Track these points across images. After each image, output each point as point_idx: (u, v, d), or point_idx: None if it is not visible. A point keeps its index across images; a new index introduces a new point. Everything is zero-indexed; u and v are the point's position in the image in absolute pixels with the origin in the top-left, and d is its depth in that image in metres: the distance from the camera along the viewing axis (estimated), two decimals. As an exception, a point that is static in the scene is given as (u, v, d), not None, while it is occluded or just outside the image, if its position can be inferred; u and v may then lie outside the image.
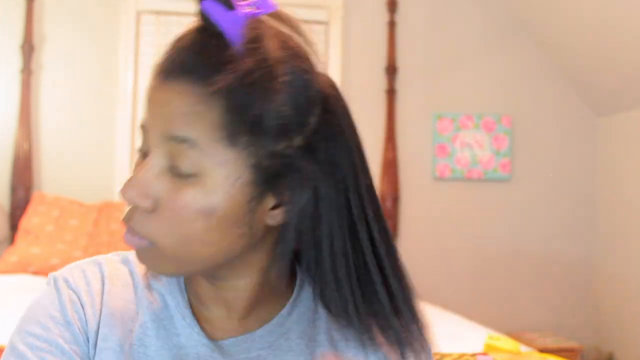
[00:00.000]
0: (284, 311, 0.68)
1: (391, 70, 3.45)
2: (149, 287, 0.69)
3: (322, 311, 0.69)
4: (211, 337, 0.66)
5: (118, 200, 3.20)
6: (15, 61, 3.20)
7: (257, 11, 0.58)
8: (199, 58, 0.56)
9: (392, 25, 3.46)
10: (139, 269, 0.71)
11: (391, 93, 3.44)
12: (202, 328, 0.67)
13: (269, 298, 0.67)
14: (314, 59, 0.62)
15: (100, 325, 0.66)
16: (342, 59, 3.45)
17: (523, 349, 1.98)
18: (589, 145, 3.64)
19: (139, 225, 0.59)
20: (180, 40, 0.59)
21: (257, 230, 0.61)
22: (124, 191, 0.59)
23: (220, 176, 0.57)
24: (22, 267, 2.74)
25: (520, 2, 3.51)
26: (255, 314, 0.67)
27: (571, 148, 3.63)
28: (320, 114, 0.60)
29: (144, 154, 0.61)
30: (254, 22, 0.58)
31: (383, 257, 0.66)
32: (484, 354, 1.77)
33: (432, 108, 3.51)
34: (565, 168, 3.62)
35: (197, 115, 0.56)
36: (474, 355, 1.73)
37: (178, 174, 0.58)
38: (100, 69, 3.31)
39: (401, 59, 3.48)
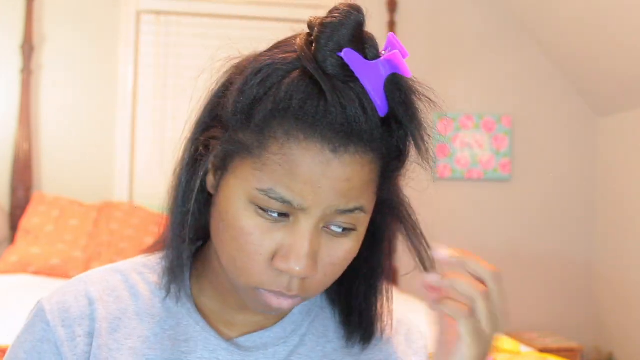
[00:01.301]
0: (296, 310, 0.70)
1: (391, 70, 3.44)
2: (151, 296, 0.68)
3: (327, 307, 0.72)
4: (226, 337, 0.67)
5: (118, 200, 3.20)
6: (15, 61, 3.20)
7: (392, 64, 0.59)
8: (367, 121, 0.55)
9: (392, 25, 3.46)
10: (135, 278, 0.70)
11: (391, 93, 3.44)
12: (219, 330, 0.67)
13: None
14: None
15: (93, 347, 0.64)
16: (342, 59, 3.44)
17: (523, 349, 1.98)
18: (589, 145, 3.64)
19: (301, 290, 0.59)
20: (333, 95, 0.54)
21: None
22: (295, 268, 0.56)
23: (366, 223, 0.62)
24: (22, 267, 2.74)
25: (520, 2, 3.51)
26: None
27: (571, 148, 3.63)
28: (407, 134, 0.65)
29: (282, 213, 0.57)
30: (392, 75, 0.58)
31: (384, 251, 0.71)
32: (484, 354, 1.77)
33: (432, 108, 3.51)
34: (565, 168, 3.62)
35: (369, 184, 0.57)
36: (474, 355, 1.73)
37: (336, 233, 0.58)
38: (100, 69, 3.30)
39: (401, 59, 3.48)
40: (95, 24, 3.29)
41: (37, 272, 2.73)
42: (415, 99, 0.60)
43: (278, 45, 0.62)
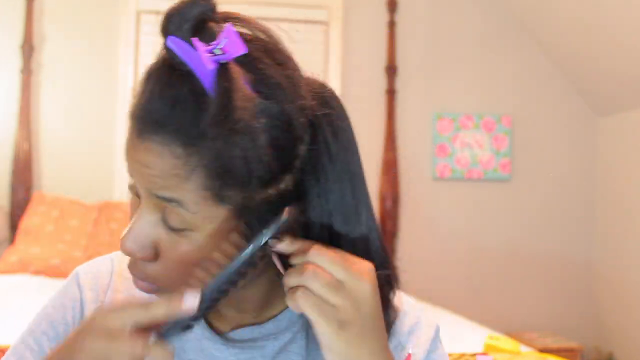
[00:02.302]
0: (289, 309, 0.69)
1: (391, 70, 3.45)
2: None
3: None
4: (218, 330, 0.69)
5: (118, 200, 3.20)
6: (15, 61, 3.20)
7: (224, 55, 0.54)
8: (174, 111, 0.54)
9: (392, 25, 3.46)
10: None
11: (391, 93, 3.44)
12: (209, 322, 0.69)
13: (281, 299, 0.68)
14: (295, 75, 0.59)
15: None
16: (342, 59, 3.45)
17: (523, 349, 1.98)
18: (589, 145, 3.64)
19: (144, 273, 0.61)
20: (151, 81, 0.56)
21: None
22: (123, 244, 0.59)
23: (211, 230, 0.57)
24: (22, 267, 2.74)
25: (520, 2, 3.51)
26: (265, 312, 0.69)
27: (571, 148, 3.63)
28: (310, 139, 0.59)
29: (136, 193, 0.61)
30: (223, 67, 0.54)
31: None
32: (484, 354, 1.77)
33: (432, 108, 3.52)
34: (565, 168, 3.62)
35: (180, 178, 0.55)
36: (474, 355, 1.73)
37: (170, 227, 0.58)
38: (100, 69, 3.30)
39: (401, 59, 3.48)
40: (95, 24, 3.29)
41: (37, 272, 2.73)
42: (238, 80, 0.54)
43: None
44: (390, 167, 3.38)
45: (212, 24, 0.56)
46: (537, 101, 3.61)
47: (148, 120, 0.55)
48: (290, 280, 0.57)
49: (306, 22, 3.44)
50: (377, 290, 0.58)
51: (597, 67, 3.33)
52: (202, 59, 0.53)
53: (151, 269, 0.60)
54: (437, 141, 3.49)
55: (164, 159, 0.54)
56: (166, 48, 0.54)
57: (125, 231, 0.59)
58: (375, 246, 0.65)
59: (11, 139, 3.16)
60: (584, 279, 3.60)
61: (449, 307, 2.87)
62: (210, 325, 0.69)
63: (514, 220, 3.56)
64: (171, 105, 0.54)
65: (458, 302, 3.30)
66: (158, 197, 0.56)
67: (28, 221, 2.91)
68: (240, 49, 0.55)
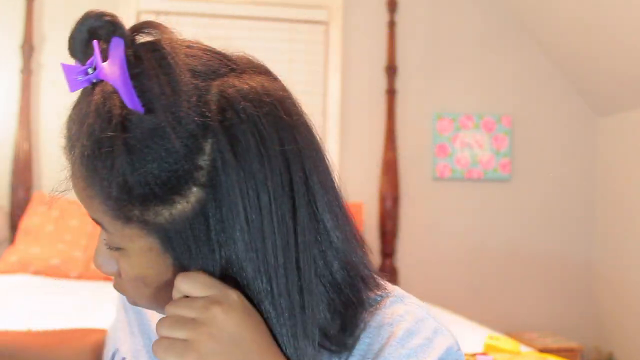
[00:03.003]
0: None
1: (391, 70, 3.45)
2: None
3: None
4: None
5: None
6: (15, 61, 3.20)
7: (94, 74, 0.54)
8: (81, 135, 0.55)
9: (392, 25, 3.46)
10: None
11: (391, 93, 3.44)
12: None
13: None
14: (181, 82, 0.53)
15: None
16: (342, 59, 3.45)
17: (523, 349, 1.98)
18: (589, 145, 3.64)
19: (117, 286, 0.63)
20: (73, 106, 0.59)
21: None
22: (94, 260, 0.62)
23: (135, 249, 0.56)
24: (22, 267, 2.74)
25: (520, 2, 3.51)
26: None
27: (571, 148, 3.63)
28: (217, 139, 0.52)
29: None
30: (94, 86, 0.54)
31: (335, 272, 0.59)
32: (484, 354, 1.77)
33: (432, 108, 3.51)
34: (565, 168, 3.62)
35: (90, 199, 0.56)
36: (474, 355, 1.73)
37: (109, 246, 0.59)
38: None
39: (401, 59, 3.48)
40: (95, 24, 3.29)
41: (37, 272, 2.73)
42: (98, 117, 0.53)
43: None
44: (390, 167, 3.38)
45: (93, 42, 0.56)
46: (537, 101, 3.61)
47: (65, 140, 0.58)
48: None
49: (306, 22, 3.44)
50: (241, 315, 0.52)
51: (597, 67, 3.33)
52: (69, 82, 0.55)
53: (118, 284, 0.62)
54: (437, 141, 3.49)
55: (79, 181, 0.56)
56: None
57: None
58: (312, 266, 0.57)
59: (11, 139, 3.16)
60: (584, 279, 3.60)
61: (449, 307, 2.86)
62: None
63: (514, 220, 3.56)
64: (78, 126, 0.55)
65: (458, 302, 3.30)
66: (93, 219, 0.58)
67: (28, 221, 2.91)
68: (102, 67, 0.53)
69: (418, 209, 3.48)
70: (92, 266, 2.74)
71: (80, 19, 0.57)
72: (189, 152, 0.52)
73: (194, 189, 0.52)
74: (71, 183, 0.58)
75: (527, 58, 3.60)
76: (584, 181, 3.63)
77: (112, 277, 0.63)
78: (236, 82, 0.55)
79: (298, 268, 0.55)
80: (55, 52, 3.27)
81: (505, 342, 1.91)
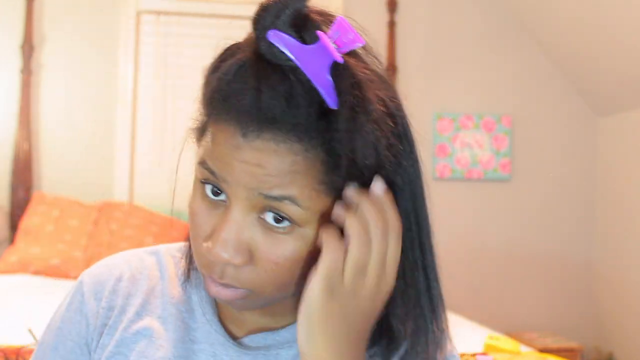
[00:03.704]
0: None
1: (391, 70, 3.45)
2: (176, 279, 0.71)
3: None
4: (232, 334, 0.67)
5: (118, 200, 3.20)
6: (15, 61, 3.20)
7: (342, 48, 0.55)
8: (291, 109, 0.52)
9: (392, 25, 3.46)
10: (168, 260, 0.73)
11: (391, 93, 3.43)
12: (224, 325, 0.67)
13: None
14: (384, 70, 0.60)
15: (111, 322, 0.69)
16: (342, 59, 3.45)
17: (523, 349, 1.98)
18: (589, 145, 3.64)
19: (234, 279, 0.57)
20: (249, 76, 0.53)
21: None
22: (218, 252, 0.55)
23: (318, 223, 0.56)
24: (22, 267, 2.74)
25: (520, 2, 3.51)
26: (282, 318, 0.67)
27: (571, 148, 3.63)
28: (400, 139, 0.60)
29: (214, 191, 0.57)
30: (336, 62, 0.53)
31: (428, 264, 0.68)
32: (484, 354, 1.77)
33: (432, 108, 3.52)
34: (565, 168, 3.62)
35: (296, 174, 0.53)
36: (474, 355, 1.73)
37: (273, 227, 0.55)
38: (100, 69, 3.30)
39: (401, 59, 3.48)
40: (95, 24, 3.29)
41: (37, 272, 2.73)
42: (364, 93, 0.54)
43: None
44: (390, 167, 3.37)
45: (313, 17, 0.56)
46: (537, 101, 3.61)
47: (258, 118, 0.52)
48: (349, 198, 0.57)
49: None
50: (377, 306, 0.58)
51: (597, 67, 3.33)
52: (321, 51, 0.52)
53: (246, 274, 0.57)
54: (437, 141, 3.49)
55: (281, 156, 0.53)
56: (262, 41, 0.52)
57: (220, 237, 0.56)
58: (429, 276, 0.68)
59: (11, 139, 3.16)
60: (584, 279, 3.60)
61: (449, 307, 2.84)
62: (225, 329, 0.67)
63: (514, 220, 3.56)
64: (285, 100, 0.51)
65: (458, 302, 3.30)
66: (267, 196, 0.54)
67: (28, 221, 2.91)
68: (357, 41, 0.55)
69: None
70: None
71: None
72: (395, 135, 0.58)
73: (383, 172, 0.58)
74: (252, 164, 0.53)
75: (527, 58, 3.60)
76: (584, 181, 3.63)
77: (223, 274, 0.58)
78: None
79: (433, 254, 0.69)
80: (55, 52, 3.27)
81: (505, 342, 1.91)
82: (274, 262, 0.56)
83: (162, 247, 0.75)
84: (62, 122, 3.26)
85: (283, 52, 0.51)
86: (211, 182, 0.56)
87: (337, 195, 0.56)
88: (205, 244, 0.57)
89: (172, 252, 0.74)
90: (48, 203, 2.98)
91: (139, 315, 0.68)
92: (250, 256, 0.56)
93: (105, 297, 0.70)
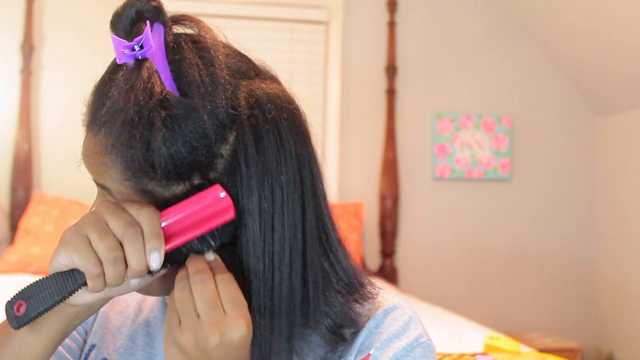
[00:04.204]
0: None
1: (391, 70, 3.45)
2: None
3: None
4: None
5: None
6: (15, 61, 3.20)
7: (141, 51, 0.58)
8: (94, 104, 0.60)
9: (392, 25, 3.46)
10: None
11: (391, 93, 3.44)
12: None
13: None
14: (219, 74, 0.58)
15: (92, 331, 0.73)
16: (342, 59, 3.45)
17: (523, 349, 1.98)
18: (588, 145, 3.64)
19: None
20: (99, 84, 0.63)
21: None
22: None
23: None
24: (22, 267, 2.74)
25: (520, 2, 3.51)
26: None
27: (571, 148, 3.63)
28: (238, 134, 0.57)
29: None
30: (138, 62, 0.58)
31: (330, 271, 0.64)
32: (484, 354, 1.77)
33: (432, 108, 3.51)
34: (565, 168, 3.62)
35: (104, 166, 0.59)
36: (474, 355, 1.73)
37: None
38: (100, 69, 3.29)
39: (401, 59, 3.48)
40: (96, 24, 3.29)
41: (37, 272, 2.73)
42: (138, 91, 0.57)
43: None
44: (390, 167, 3.38)
45: (140, 24, 0.60)
46: (537, 101, 3.61)
47: (88, 111, 0.62)
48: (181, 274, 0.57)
49: (306, 22, 3.44)
50: (237, 348, 0.55)
51: (597, 67, 3.33)
52: (118, 54, 0.58)
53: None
54: (437, 141, 3.49)
55: (94, 146, 0.60)
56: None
57: None
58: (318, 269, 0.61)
59: (11, 139, 3.16)
60: (584, 279, 3.60)
61: (449, 307, 2.86)
62: None
63: (514, 220, 3.56)
64: (100, 97, 0.60)
65: (458, 302, 3.30)
66: (97, 184, 0.61)
67: (28, 221, 2.91)
68: (152, 46, 0.57)
69: (418, 209, 3.48)
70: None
71: None
72: (215, 139, 0.56)
73: (211, 174, 0.57)
74: (83, 151, 0.61)
75: (527, 58, 3.60)
76: (584, 181, 3.63)
77: None
78: (262, 85, 0.60)
79: (304, 261, 0.59)
80: (55, 52, 3.27)
81: (505, 342, 1.91)
82: None
83: None
84: (62, 122, 3.26)
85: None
86: None
87: (153, 198, 0.58)
88: None
89: None
90: (48, 203, 2.98)
91: (120, 329, 0.75)
92: None
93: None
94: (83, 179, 3.33)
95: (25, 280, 2.63)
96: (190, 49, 0.59)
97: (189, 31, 0.64)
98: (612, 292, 3.44)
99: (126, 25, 0.60)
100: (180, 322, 0.54)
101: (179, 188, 0.57)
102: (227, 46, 0.63)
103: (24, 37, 3.18)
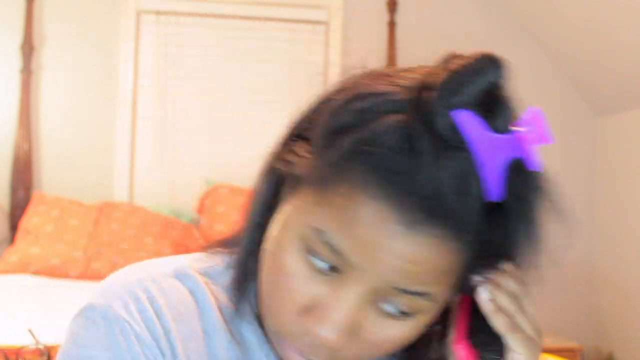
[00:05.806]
0: None
1: (391, 70, 3.44)
2: (219, 311, 0.58)
3: None
4: None
5: (118, 200, 3.20)
6: (15, 61, 3.20)
7: (520, 149, 0.48)
8: (460, 205, 0.45)
9: (392, 25, 3.46)
10: (203, 285, 0.58)
11: (391, 93, 3.43)
12: None
13: None
14: None
15: None
16: (342, 59, 3.45)
17: (523, 349, 1.97)
18: (588, 145, 3.64)
19: (331, 356, 0.51)
20: (432, 159, 0.44)
21: None
22: (326, 336, 0.48)
23: (436, 310, 0.52)
24: (22, 267, 2.74)
25: (520, 2, 3.51)
26: None
27: (571, 148, 3.63)
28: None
29: (332, 269, 0.49)
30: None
31: None
32: (484, 354, 1.77)
33: (432, 108, 3.51)
34: (565, 168, 3.62)
35: (445, 274, 0.48)
36: (474, 355, 1.73)
37: (389, 314, 0.49)
38: (100, 69, 3.30)
39: (401, 59, 3.48)
40: (95, 24, 3.29)
41: (37, 272, 2.73)
42: (536, 199, 0.51)
43: (389, 73, 0.54)
44: (390, 167, 3.37)
45: (505, 98, 0.50)
46: (537, 101, 3.60)
47: (429, 206, 0.44)
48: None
49: (306, 22, 3.43)
50: None
51: (597, 67, 3.33)
52: (510, 145, 0.47)
53: (343, 351, 0.50)
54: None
55: (441, 252, 0.46)
56: (442, 117, 0.45)
57: (333, 320, 0.48)
58: None
59: (11, 139, 3.16)
60: (584, 279, 3.60)
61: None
62: None
63: (514, 220, 3.56)
64: (458, 192, 0.44)
65: (458, 302, 3.30)
66: (401, 290, 0.47)
67: (28, 221, 2.91)
68: (547, 139, 0.49)
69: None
70: (92, 266, 2.74)
71: (492, 60, 0.50)
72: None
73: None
74: (407, 260, 0.45)
75: (527, 58, 3.60)
76: (584, 181, 3.62)
77: (317, 352, 0.50)
78: None
79: None
80: (55, 52, 3.27)
81: (505, 342, 1.91)
82: (377, 344, 0.50)
83: (185, 266, 0.59)
84: (62, 122, 3.26)
85: (464, 136, 0.45)
86: (329, 261, 0.48)
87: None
88: (302, 318, 0.49)
89: (204, 275, 0.60)
90: (48, 203, 2.98)
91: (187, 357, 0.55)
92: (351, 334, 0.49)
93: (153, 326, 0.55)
94: (83, 179, 3.34)
95: (25, 280, 2.62)
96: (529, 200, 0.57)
97: None
98: (612, 292, 3.44)
99: (476, 99, 0.48)
100: None
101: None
102: None
103: (24, 37, 3.18)
